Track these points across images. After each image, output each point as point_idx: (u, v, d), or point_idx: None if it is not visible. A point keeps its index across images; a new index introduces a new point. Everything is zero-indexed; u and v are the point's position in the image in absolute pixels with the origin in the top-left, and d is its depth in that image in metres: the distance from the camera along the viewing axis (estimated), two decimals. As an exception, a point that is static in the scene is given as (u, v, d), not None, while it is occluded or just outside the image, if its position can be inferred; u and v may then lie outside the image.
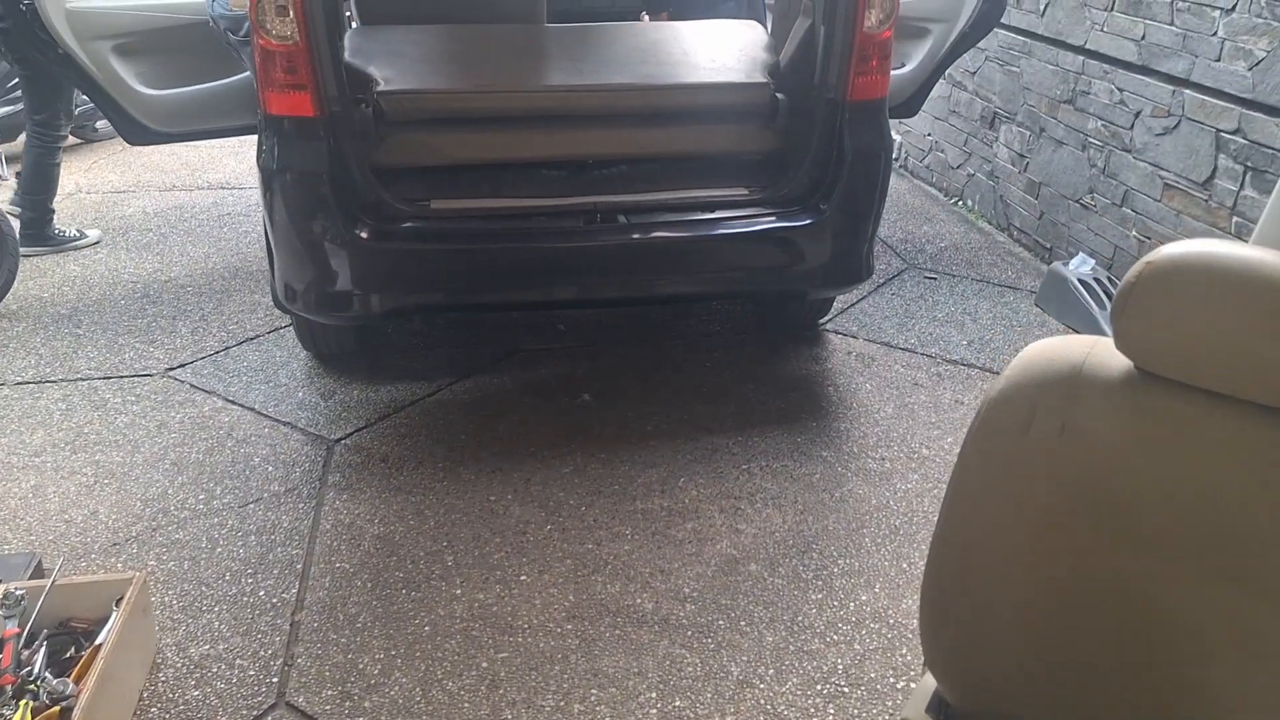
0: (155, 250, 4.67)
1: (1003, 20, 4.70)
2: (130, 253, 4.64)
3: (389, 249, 2.95)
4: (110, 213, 5.12)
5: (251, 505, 2.91)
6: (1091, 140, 4.33)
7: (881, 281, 4.47)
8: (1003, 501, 1.38)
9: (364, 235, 2.90)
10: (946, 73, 5.22)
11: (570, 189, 3.17)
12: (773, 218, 3.13)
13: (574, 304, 3.68)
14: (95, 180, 5.59)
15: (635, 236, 3.04)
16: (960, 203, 5.55)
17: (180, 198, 5.38)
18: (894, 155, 6.09)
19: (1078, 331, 4.01)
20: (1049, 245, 4.71)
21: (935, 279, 4.53)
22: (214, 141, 5.07)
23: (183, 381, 3.57)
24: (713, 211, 3.12)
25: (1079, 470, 1.30)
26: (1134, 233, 4.08)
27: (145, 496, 2.94)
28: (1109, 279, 4.05)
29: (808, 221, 3.12)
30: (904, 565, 2.72)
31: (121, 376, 3.59)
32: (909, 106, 4.57)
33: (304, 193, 2.87)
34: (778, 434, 3.29)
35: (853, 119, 3.08)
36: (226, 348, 3.79)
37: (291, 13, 2.70)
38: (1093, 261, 4.13)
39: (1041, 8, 4.68)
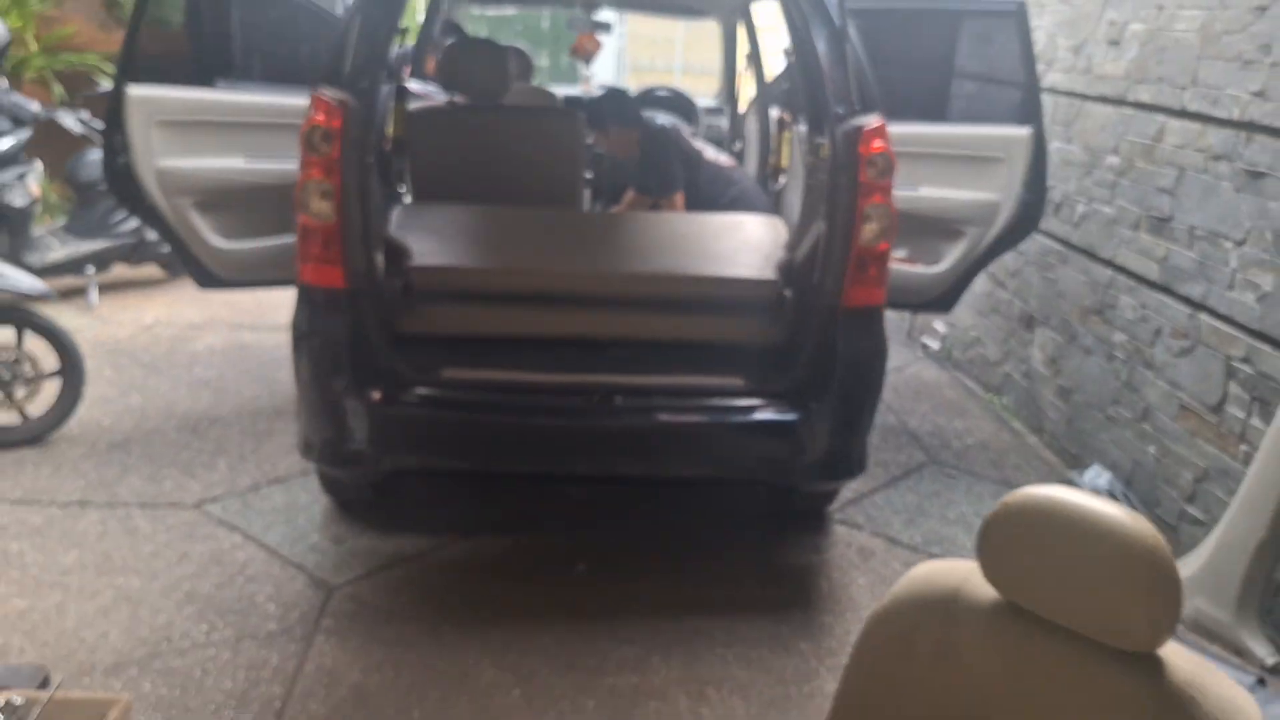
0: (212, 387, 5.00)
1: (1044, 227, 4.86)
2: (189, 389, 4.97)
3: (399, 413, 3.17)
4: (180, 348, 5.51)
5: (247, 640, 3.06)
6: (1116, 353, 4.39)
7: (900, 474, 4.52)
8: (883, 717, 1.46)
9: (376, 398, 3.12)
10: (990, 271, 5.38)
11: (577, 366, 3.35)
12: (763, 410, 3.26)
13: (567, 479, 3.83)
14: (174, 314, 6.02)
15: (629, 420, 3.19)
16: (996, 399, 5.60)
17: (246, 337, 5.75)
18: (937, 350, 6.26)
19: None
20: (1076, 452, 4.71)
21: (955, 477, 4.56)
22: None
23: (210, 515, 3.79)
24: (708, 399, 3.27)
25: (954, 694, 1.37)
26: (1152, 449, 4.08)
27: (153, 623, 3.12)
28: (1124, 494, 4.03)
29: (795, 417, 3.24)
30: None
31: (156, 505, 3.83)
32: (943, 302, 4.69)
33: (325, 356, 3.11)
34: (762, 622, 3.33)
35: (848, 324, 3.22)
36: (257, 486, 4.03)
37: (331, 197, 3.01)
38: (1109, 475, 4.11)
39: (1077, 219, 4.83)
